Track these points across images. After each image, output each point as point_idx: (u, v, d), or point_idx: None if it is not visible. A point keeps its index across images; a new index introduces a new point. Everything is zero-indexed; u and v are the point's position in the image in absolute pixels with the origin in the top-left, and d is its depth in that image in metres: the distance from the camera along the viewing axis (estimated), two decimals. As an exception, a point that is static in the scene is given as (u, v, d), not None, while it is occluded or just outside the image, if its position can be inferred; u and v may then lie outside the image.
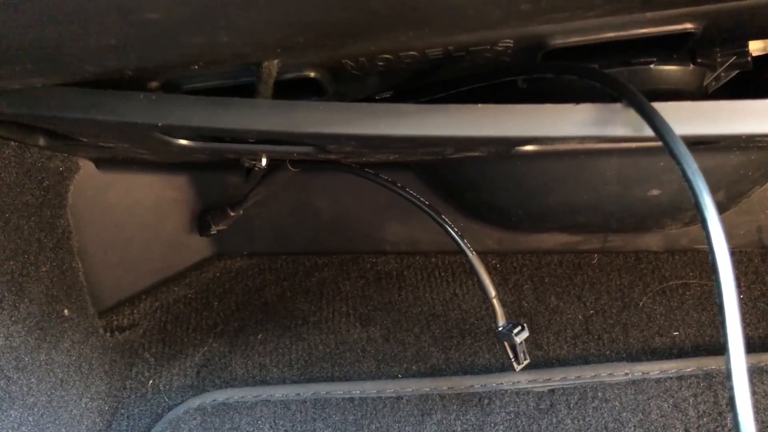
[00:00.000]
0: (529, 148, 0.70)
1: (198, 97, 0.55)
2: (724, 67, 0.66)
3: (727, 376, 0.41)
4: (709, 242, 0.44)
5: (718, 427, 0.87)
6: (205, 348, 1.05)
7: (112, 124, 0.57)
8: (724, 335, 0.41)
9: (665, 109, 0.50)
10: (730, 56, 0.65)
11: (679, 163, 0.47)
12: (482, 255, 0.84)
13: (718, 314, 1.01)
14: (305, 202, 1.08)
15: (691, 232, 1.03)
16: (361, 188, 1.02)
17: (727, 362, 0.41)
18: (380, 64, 0.60)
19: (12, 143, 0.80)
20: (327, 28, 0.45)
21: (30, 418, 0.84)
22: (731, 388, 0.41)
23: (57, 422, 0.88)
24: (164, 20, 0.41)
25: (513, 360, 0.85)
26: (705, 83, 0.69)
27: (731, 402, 0.40)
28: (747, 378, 0.41)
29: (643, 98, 0.51)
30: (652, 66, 0.64)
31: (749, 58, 0.65)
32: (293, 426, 0.92)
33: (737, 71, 0.69)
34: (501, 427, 0.89)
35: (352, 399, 0.94)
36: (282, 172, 0.90)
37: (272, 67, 0.56)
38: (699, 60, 0.65)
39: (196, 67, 0.52)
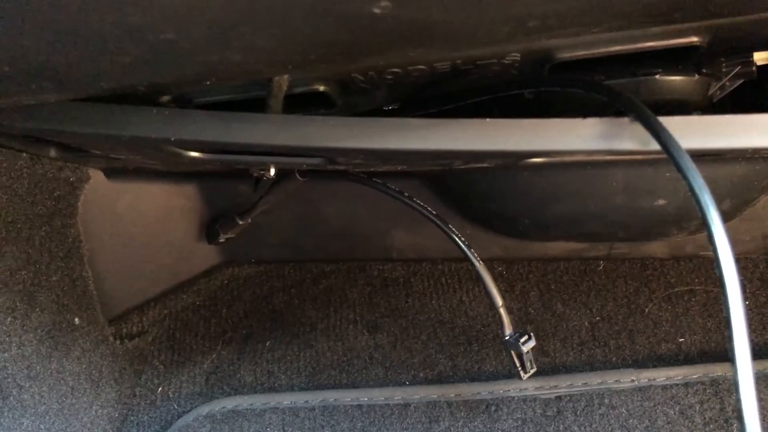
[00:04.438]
0: (536, 159, 0.71)
1: (211, 111, 0.56)
2: (729, 77, 0.67)
3: (735, 388, 0.42)
4: (716, 256, 0.44)
5: (724, 433, 0.87)
6: (214, 355, 1.06)
7: (125, 139, 0.57)
8: (731, 350, 0.42)
9: (672, 123, 0.50)
10: (734, 66, 0.65)
11: (685, 177, 0.47)
12: (488, 262, 0.85)
13: (723, 320, 1.01)
14: (313, 210, 1.08)
15: (697, 239, 1.04)
16: (368, 196, 1.02)
17: (735, 375, 0.42)
18: (389, 77, 0.60)
19: (24, 154, 0.81)
20: (338, 46, 0.46)
21: (42, 426, 0.85)
22: (738, 401, 0.42)
23: (68, 430, 0.89)
24: (180, 40, 0.42)
25: (520, 369, 0.85)
26: (710, 93, 0.69)
27: (738, 415, 0.41)
28: (754, 389, 0.41)
29: (650, 113, 0.51)
30: (657, 76, 0.64)
31: (754, 68, 0.65)
32: (302, 433, 0.93)
33: (742, 80, 0.69)
34: (508, 434, 0.90)
35: (360, 406, 0.95)
36: (291, 182, 0.91)
37: (283, 81, 0.56)
38: (704, 70, 0.65)
39: (209, 82, 0.53)
